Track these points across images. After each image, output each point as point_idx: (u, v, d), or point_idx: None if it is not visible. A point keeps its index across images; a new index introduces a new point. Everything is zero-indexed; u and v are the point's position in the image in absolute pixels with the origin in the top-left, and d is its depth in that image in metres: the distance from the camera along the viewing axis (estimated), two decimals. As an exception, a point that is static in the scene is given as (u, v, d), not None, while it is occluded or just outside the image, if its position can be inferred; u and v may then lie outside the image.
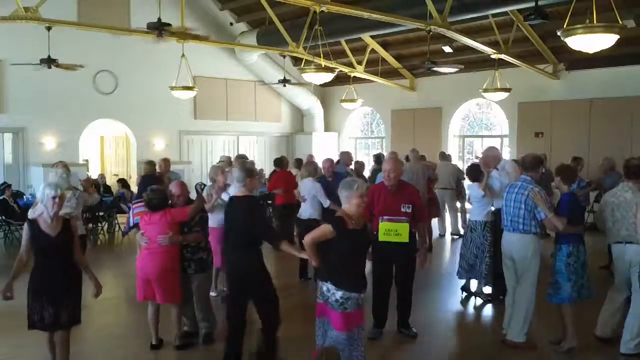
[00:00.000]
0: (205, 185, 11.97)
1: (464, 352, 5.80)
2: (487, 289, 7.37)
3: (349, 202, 4.26)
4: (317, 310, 4.32)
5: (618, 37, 6.66)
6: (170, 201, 5.63)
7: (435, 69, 11.65)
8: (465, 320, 6.97)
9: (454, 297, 7.59)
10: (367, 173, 11.91)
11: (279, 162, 10.55)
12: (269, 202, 11.71)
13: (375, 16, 9.63)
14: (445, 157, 12.42)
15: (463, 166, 14.00)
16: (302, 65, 12.33)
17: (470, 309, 7.23)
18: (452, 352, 5.79)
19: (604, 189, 8.24)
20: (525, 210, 5.42)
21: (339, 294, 4.13)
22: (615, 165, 9.12)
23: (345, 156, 11.14)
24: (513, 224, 5.53)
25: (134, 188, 12.38)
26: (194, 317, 5.85)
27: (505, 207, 5.65)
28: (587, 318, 5.82)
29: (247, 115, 18.00)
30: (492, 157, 7.10)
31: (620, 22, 6.72)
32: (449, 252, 10.79)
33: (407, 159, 10.75)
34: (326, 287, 4.19)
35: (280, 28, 13.03)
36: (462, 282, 7.54)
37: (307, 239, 4.31)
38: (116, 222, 12.56)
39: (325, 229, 4.23)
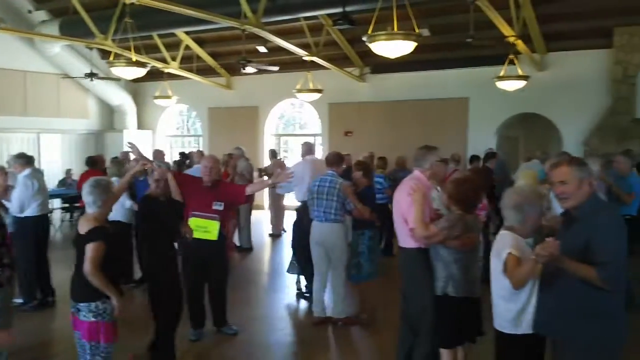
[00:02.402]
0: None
1: (285, 342, 5.94)
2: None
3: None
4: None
5: (416, 44, 7.29)
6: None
7: (250, 68, 11.76)
8: (290, 313, 7.12)
9: (279, 294, 7.71)
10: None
11: (92, 161, 9.75)
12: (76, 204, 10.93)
13: (189, 12, 9.43)
14: (275, 155, 12.69)
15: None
16: (111, 59, 11.69)
17: (295, 302, 7.42)
18: (273, 344, 5.89)
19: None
20: (337, 202, 5.94)
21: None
22: (406, 162, 10.32)
23: (159, 154, 10.77)
24: (325, 214, 5.99)
25: None
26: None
27: (317, 199, 6.03)
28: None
29: (49, 111, 16.53)
30: None
31: (417, 31, 7.36)
32: (270, 251, 11.00)
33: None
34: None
35: (85, 18, 12.18)
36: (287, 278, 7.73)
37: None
38: None
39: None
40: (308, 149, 7.90)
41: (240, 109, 16.89)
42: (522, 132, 15.19)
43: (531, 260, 3.00)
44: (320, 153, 15.10)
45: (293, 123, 17.62)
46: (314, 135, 16.61)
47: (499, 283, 3.36)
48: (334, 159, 6.25)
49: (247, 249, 10.51)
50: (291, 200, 9.62)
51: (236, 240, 10.42)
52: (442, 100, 13.95)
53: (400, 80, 14.40)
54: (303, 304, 7.26)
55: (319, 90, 13.56)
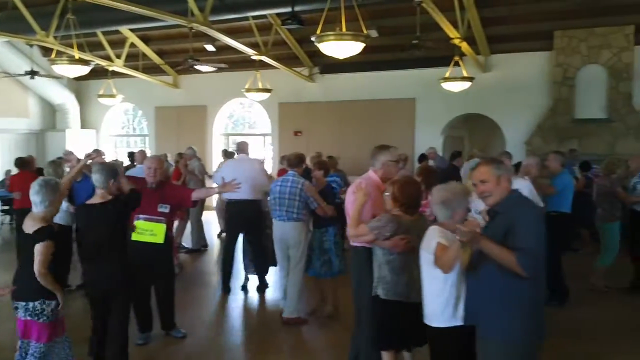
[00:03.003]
0: None
1: (235, 344, 5.89)
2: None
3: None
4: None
5: (364, 45, 7.35)
6: None
7: (197, 67, 11.61)
8: (240, 314, 7.07)
9: (230, 295, 7.60)
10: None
11: (22, 163, 9.34)
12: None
13: (134, 9, 9.21)
14: (227, 154, 12.48)
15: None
16: (52, 56, 11.32)
17: (244, 303, 7.37)
18: (222, 346, 5.83)
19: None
20: (299, 201, 6.12)
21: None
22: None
23: (97, 154, 10.50)
24: (288, 214, 6.16)
25: None
26: None
27: (279, 199, 6.19)
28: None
29: (-14, 110, 15.91)
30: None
31: (365, 32, 7.43)
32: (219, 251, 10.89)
33: None
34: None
35: (25, 14, 11.75)
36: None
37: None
38: None
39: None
40: (240, 148, 7.84)
41: (188, 108, 16.65)
42: (467, 132, 15.54)
43: (456, 242, 3.14)
44: (270, 153, 15.11)
45: (242, 123, 17.49)
46: (264, 135, 16.55)
47: (429, 276, 3.48)
48: (295, 160, 6.43)
49: (197, 250, 10.38)
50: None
51: (187, 241, 10.30)
52: (390, 100, 14.13)
53: (349, 80, 14.50)
54: (253, 304, 7.22)
55: (268, 90, 13.51)
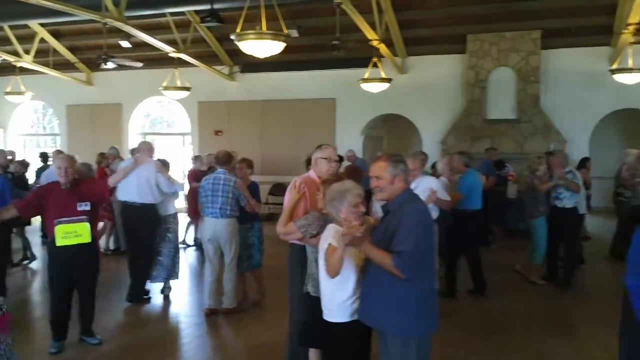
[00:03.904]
0: None
1: (151, 349, 5.74)
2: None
3: None
4: None
5: (285, 44, 7.36)
6: None
7: (112, 63, 11.22)
8: (158, 318, 6.89)
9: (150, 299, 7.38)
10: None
11: None
12: None
13: (45, 3, 8.79)
14: (133, 152, 12.14)
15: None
16: (-47, 50, 10.63)
17: (162, 306, 7.19)
18: (140, 352, 5.66)
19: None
20: (232, 198, 6.29)
21: None
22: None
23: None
24: (221, 211, 6.28)
25: None
26: None
27: (212, 197, 6.29)
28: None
29: None
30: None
31: (285, 32, 7.44)
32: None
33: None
34: None
35: None
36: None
37: None
38: None
39: None
40: (139, 148, 7.54)
41: (102, 106, 16.07)
42: (385, 132, 15.89)
43: (340, 247, 3.22)
44: (190, 153, 14.83)
45: (161, 122, 17.07)
46: (183, 134, 16.23)
47: (324, 273, 3.53)
48: (225, 158, 6.54)
49: (124, 251, 10.05)
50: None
51: (111, 242, 9.99)
52: (311, 100, 14.23)
53: (270, 79, 14.49)
54: (175, 308, 7.07)
55: (187, 88, 13.26)
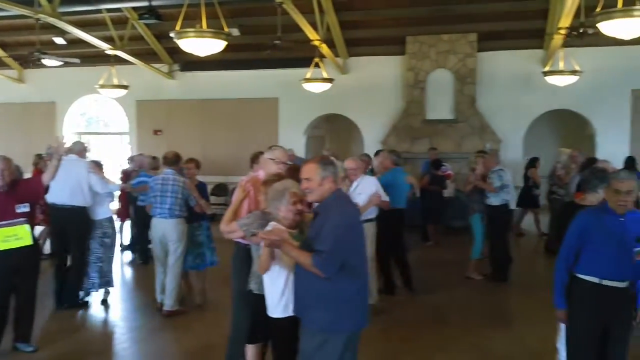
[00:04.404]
0: None
1: (86, 354, 5.57)
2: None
3: None
4: None
5: (226, 43, 7.29)
6: None
7: (45, 60, 10.83)
8: (95, 323, 6.69)
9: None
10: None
11: None
12: None
13: (-29, -4, 8.41)
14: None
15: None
16: None
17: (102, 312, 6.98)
18: (73, 359, 5.49)
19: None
20: (181, 198, 6.37)
21: None
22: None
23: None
24: (171, 211, 6.32)
25: None
26: None
27: (161, 197, 6.34)
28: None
29: None
30: None
31: (226, 30, 7.38)
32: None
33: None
34: None
35: None
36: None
37: None
38: None
39: None
40: (71, 148, 7.31)
41: (35, 104, 15.47)
42: (328, 132, 15.98)
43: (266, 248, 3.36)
44: (128, 153, 14.44)
45: (97, 121, 16.59)
46: (121, 134, 15.82)
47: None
48: (174, 159, 6.61)
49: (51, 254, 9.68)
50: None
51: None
52: (253, 100, 14.15)
53: (211, 78, 14.32)
54: (113, 312, 6.88)
55: (124, 87, 12.94)
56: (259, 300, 3.84)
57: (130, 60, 13.21)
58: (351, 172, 6.27)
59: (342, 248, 3.18)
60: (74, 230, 6.71)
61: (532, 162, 10.88)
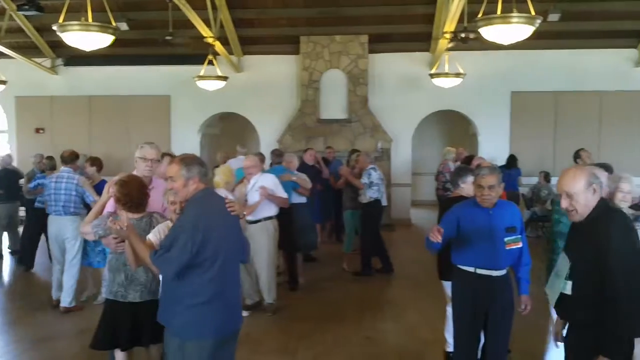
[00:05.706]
0: None
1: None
2: None
3: None
4: None
5: (113, 37, 7.02)
6: None
7: None
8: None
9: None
10: None
11: None
12: None
13: None
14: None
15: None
16: None
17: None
18: None
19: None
20: (76, 196, 6.53)
21: None
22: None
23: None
24: (65, 208, 6.49)
25: None
26: None
27: (54, 194, 6.48)
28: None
29: None
30: None
31: (114, 24, 7.10)
32: None
33: None
34: None
35: None
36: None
37: None
38: None
39: None
40: None
41: None
42: (223, 131, 15.80)
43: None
44: (7, 152, 13.48)
45: (-30, 118, 15.35)
46: (-1, 132, 14.76)
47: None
48: (70, 157, 6.75)
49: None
50: None
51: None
52: (144, 97, 13.70)
53: (98, 74, 13.70)
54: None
55: (2, 82, 12.10)
56: (106, 304, 3.97)
57: (9, 53, 12.34)
58: (248, 170, 6.32)
59: (184, 249, 3.07)
60: None
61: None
